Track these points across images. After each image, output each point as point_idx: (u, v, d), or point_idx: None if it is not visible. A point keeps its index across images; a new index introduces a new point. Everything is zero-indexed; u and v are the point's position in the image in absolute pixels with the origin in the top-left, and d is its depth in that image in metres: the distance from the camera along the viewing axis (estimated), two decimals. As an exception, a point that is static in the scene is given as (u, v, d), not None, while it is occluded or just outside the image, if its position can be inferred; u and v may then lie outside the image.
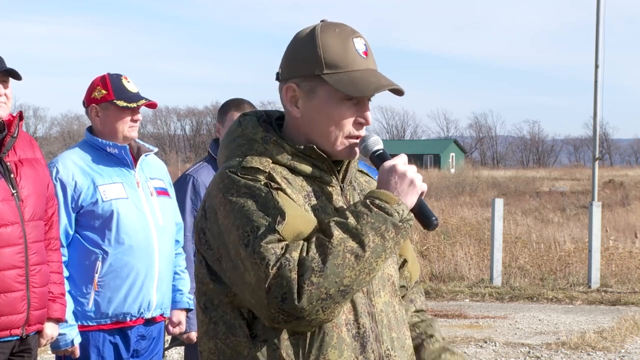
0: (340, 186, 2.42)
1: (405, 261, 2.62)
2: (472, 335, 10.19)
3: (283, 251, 2.19)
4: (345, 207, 2.36)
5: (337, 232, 2.20)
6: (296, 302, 2.16)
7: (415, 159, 70.28)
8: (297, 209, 2.26)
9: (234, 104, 5.15)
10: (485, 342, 9.75)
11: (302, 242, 2.22)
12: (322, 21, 2.42)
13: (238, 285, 2.25)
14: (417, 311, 2.66)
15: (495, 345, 9.62)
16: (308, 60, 2.35)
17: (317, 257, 2.18)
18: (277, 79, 2.43)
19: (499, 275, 14.03)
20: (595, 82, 14.43)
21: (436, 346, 2.60)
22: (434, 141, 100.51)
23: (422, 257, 15.55)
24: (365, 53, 2.38)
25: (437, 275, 14.64)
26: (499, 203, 14.45)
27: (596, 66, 14.45)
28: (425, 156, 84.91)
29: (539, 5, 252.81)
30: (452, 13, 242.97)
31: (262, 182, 2.26)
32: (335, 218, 2.24)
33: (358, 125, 2.37)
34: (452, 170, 64.82)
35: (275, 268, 2.17)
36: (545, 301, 12.95)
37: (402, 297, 2.61)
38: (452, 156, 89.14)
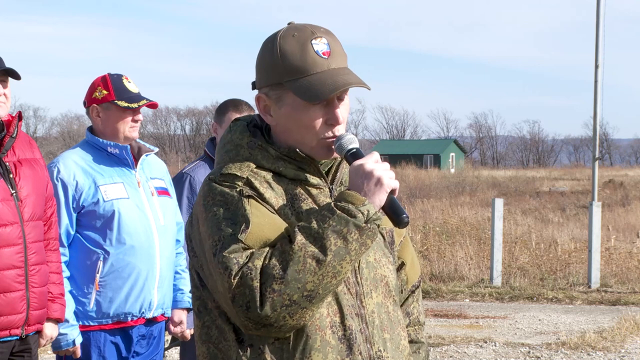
0: (330, 188, 2.41)
1: (403, 264, 2.59)
2: (472, 335, 10.19)
3: (247, 260, 2.19)
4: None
5: (299, 237, 2.19)
6: (259, 311, 2.16)
7: (415, 159, 70.29)
8: (267, 216, 2.26)
9: (232, 104, 5.16)
10: (485, 342, 9.74)
11: (267, 249, 2.21)
12: (289, 24, 2.40)
13: (215, 293, 2.27)
14: (409, 325, 2.62)
15: (495, 345, 9.61)
16: (271, 69, 2.35)
17: (278, 264, 2.17)
18: (253, 88, 2.43)
19: (499, 275, 14.03)
20: (595, 82, 14.43)
21: None
22: (434, 141, 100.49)
23: (422, 257, 15.55)
24: (327, 53, 2.34)
25: (437, 275, 14.64)
26: (499, 203, 14.45)
27: (596, 66, 14.45)
28: (425, 156, 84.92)
29: (539, 5, 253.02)
30: (452, 13, 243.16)
31: (238, 189, 2.27)
32: (301, 223, 2.24)
33: (330, 125, 2.35)
34: (452, 170, 64.87)
35: (237, 277, 2.17)
36: (545, 301, 12.95)
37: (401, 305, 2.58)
38: (452, 156, 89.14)
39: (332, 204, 2.25)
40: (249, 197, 2.26)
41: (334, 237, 2.20)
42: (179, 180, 5.08)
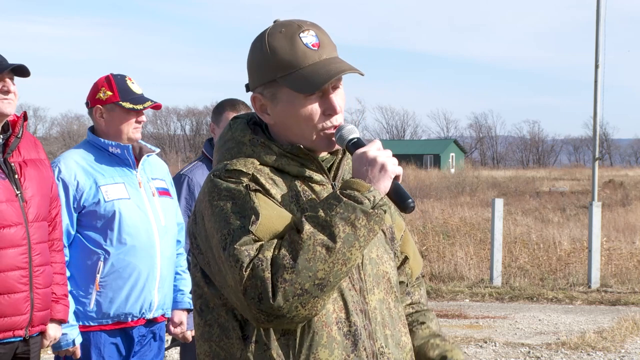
0: (332, 184, 2.42)
1: (406, 258, 2.62)
2: (472, 335, 10.21)
3: (257, 252, 2.19)
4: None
5: (307, 227, 2.20)
6: (272, 301, 2.16)
7: (415, 159, 70.27)
8: (275, 209, 2.27)
9: (229, 104, 5.17)
10: (485, 342, 9.76)
11: (276, 240, 2.22)
12: (274, 21, 2.42)
13: (224, 288, 2.27)
14: (411, 304, 2.65)
15: (495, 345, 9.63)
16: (262, 67, 2.37)
17: (288, 253, 2.18)
18: (247, 90, 2.45)
19: (499, 275, 14.05)
20: (595, 82, 14.45)
21: (426, 332, 2.61)
22: (434, 141, 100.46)
23: (422, 257, 15.54)
24: (316, 45, 2.36)
25: (437, 275, 14.65)
26: (499, 203, 14.46)
27: (596, 66, 14.46)
28: (425, 156, 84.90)
29: (540, 6, 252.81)
30: (453, 13, 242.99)
31: (244, 184, 2.27)
32: (307, 213, 2.25)
33: (327, 116, 2.37)
34: (452, 170, 64.83)
35: (249, 269, 2.17)
36: (545, 301, 12.96)
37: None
38: (452, 156, 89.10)
39: (338, 192, 2.26)
40: (255, 190, 2.27)
41: (342, 224, 2.20)
42: (177, 182, 5.08)
